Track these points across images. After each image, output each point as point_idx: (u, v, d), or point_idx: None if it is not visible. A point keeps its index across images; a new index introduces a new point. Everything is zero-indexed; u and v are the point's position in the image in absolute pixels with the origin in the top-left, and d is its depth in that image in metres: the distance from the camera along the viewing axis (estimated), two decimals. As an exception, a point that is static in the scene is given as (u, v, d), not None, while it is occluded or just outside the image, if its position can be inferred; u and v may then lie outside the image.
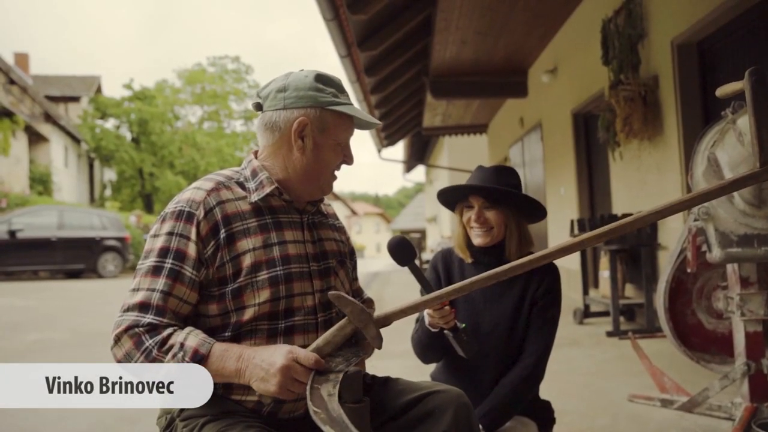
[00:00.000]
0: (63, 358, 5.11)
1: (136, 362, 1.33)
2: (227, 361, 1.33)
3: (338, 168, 1.58)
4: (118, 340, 1.35)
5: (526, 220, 2.08)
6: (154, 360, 1.32)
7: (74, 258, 14.53)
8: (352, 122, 1.56)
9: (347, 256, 1.71)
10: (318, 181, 1.55)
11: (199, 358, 1.32)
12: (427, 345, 1.99)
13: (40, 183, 21.75)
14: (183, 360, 1.31)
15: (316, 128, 1.50)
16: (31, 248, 14.02)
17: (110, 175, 30.90)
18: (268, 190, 1.50)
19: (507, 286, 2.04)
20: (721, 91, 2.08)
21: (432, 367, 2.22)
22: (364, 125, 1.62)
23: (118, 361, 1.36)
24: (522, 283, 2.03)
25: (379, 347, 1.38)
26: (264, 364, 1.31)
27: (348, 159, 1.58)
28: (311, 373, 1.30)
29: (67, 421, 3.53)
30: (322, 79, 1.52)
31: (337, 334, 1.37)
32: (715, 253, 2.39)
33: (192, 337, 1.34)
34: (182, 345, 1.33)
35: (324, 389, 1.25)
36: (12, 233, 13.85)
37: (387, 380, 1.63)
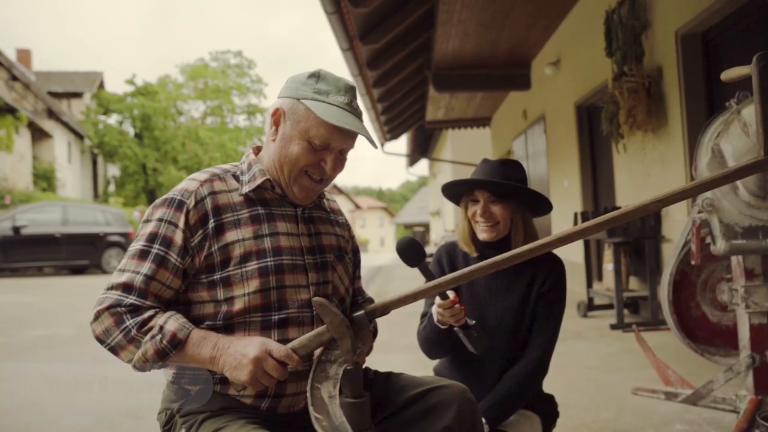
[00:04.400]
0: (68, 354, 5.14)
1: (114, 339, 1.36)
2: (203, 348, 1.36)
3: (314, 170, 1.50)
4: (98, 316, 1.38)
5: (532, 213, 2.06)
6: (132, 339, 1.35)
7: (78, 254, 14.58)
8: (324, 122, 1.44)
9: (347, 252, 1.69)
10: (284, 175, 1.50)
11: (177, 342, 1.35)
12: (435, 341, 1.97)
13: (44, 179, 21.81)
14: (161, 343, 1.34)
15: (288, 119, 1.49)
16: (36, 244, 14.07)
17: (114, 170, 30.98)
18: (259, 181, 1.51)
19: (512, 280, 2.03)
20: (727, 74, 2.06)
21: (435, 360, 2.21)
22: (349, 130, 1.47)
23: (96, 337, 1.39)
24: (528, 278, 2.02)
25: (351, 363, 1.34)
26: (237, 354, 1.34)
27: (325, 163, 1.49)
28: (283, 369, 1.33)
29: (70, 418, 3.53)
30: (316, 74, 1.50)
31: (314, 339, 1.37)
32: (720, 245, 2.37)
33: (172, 321, 1.37)
34: (162, 327, 1.35)
35: (324, 389, 1.24)
36: (16, 229, 13.89)
37: (389, 375, 1.63)
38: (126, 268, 1.42)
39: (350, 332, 1.34)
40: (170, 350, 1.35)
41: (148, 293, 1.40)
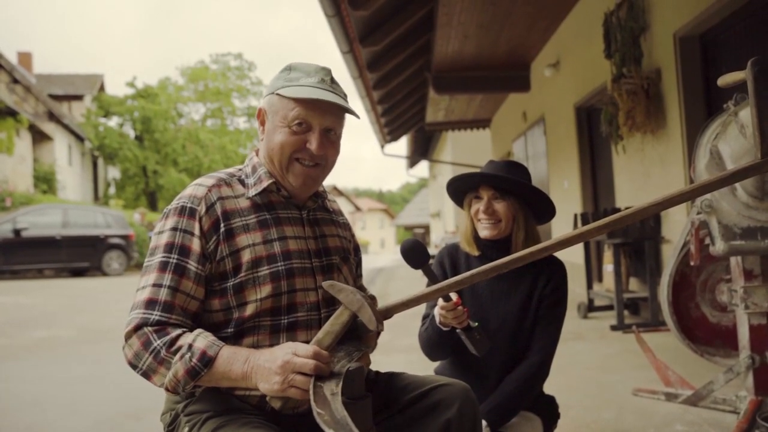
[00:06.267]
0: (69, 355, 5.15)
1: (145, 363, 1.32)
2: (234, 364, 1.32)
3: (302, 155, 1.49)
4: (127, 339, 1.35)
5: (535, 219, 2.07)
6: (162, 361, 1.31)
7: (79, 256, 14.60)
8: (296, 101, 1.45)
9: (351, 252, 1.71)
10: (276, 167, 1.51)
11: (207, 360, 1.31)
12: (437, 343, 1.98)
13: (45, 181, 21.81)
14: (190, 361, 1.30)
15: (269, 114, 1.52)
16: (36, 247, 14.09)
17: (114, 173, 30.99)
18: (265, 184, 1.52)
19: (514, 283, 2.04)
20: (723, 80, 2.07)
21: (436, 362, 2.21)
22: (322, 102, 1.45)
23: (129, 362, 1.35)
24: (530, 281, 2.03)
25: (376, 329, 1.34)
26: (267, 363, 1.30)
27: (310, 144, 1.47)
28: (313, 363, 1.28)
29: (73, 418, 3.54)
30: (288, 67, 1.53)
31: (335, 323, 1.35)
32: (719, 246, 2.38)
33: (201, 339, 1.33)
34: (191, 346, 1.32)
35: (327, 387, 1.24)
36: (17, 232, 13.92)
37: (392, 375, 1.64)
38: (146, 284, 1.39)
39: (366, 300, 1.34)
40: (201, 368, 1.31)
41: (174, 306, 1.37)
